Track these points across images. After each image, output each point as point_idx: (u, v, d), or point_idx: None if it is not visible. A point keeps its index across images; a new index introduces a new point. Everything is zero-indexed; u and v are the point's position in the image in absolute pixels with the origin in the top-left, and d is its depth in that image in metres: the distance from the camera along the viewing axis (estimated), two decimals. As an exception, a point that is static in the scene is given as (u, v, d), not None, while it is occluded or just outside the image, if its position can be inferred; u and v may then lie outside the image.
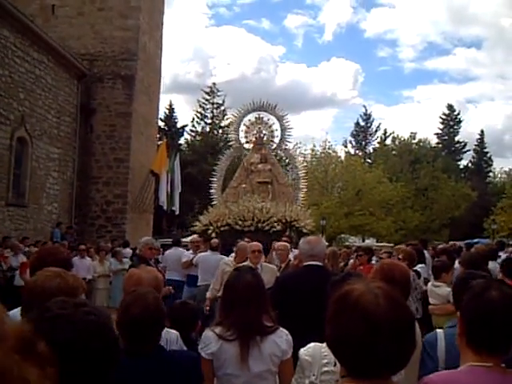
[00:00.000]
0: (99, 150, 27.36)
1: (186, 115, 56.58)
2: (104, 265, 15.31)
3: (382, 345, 1.66)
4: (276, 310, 3.49)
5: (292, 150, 17.28)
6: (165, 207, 26.91)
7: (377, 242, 38.96)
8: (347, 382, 1.80)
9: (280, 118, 17.19)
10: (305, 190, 18.50)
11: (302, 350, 3.00)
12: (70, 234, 22.65)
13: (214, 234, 14.72)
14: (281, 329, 3.61)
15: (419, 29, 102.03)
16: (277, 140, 17.28)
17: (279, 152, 17.97)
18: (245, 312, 3.46)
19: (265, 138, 17.09)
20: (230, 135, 18.16)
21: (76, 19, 27.25)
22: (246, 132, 17.24)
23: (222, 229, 14.52)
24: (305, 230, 14.36)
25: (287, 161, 17.39)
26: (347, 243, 37.41)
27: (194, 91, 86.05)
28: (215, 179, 17.59)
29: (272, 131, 17.24)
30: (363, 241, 42.05)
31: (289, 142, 17.26)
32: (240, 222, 14.24)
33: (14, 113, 20.73)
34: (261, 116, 17.32)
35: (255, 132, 17.03)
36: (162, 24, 32.88)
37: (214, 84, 53.35)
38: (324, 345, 2.75)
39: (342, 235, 40.53)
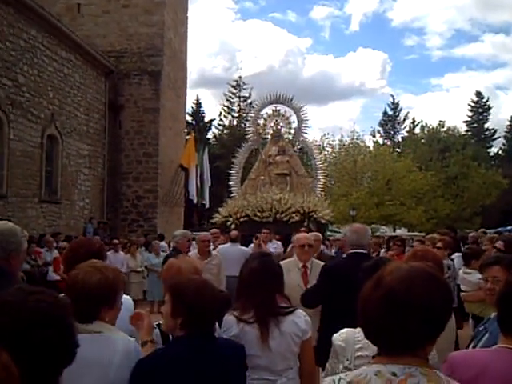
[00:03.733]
0: (128, 146, 27.60)
1: (213, 109, 57.20)
2: (136, 259, 15.43)
3: (402, 319, 1.72)
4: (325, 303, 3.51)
5: (310, 141, 17.21)
6: (195, 201, 27.09)
7: (408, 231, 38.75)
8: (377, 360, 1.85)
9: (297, 110, 17.14)
10: (323, 180, 18.46)
11: (336, 336, 3.03)
12: (102, 229, 22.91)
13: (233, 226, 14.80)
14: (299, 310, 3.72)
15: (446, 16, 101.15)
16: (294, 132, 17.30)
17: (297, 143, 17.92)
18: (257, 294, 3.57)
19: (282, 130, 17.06)
20: (247, 128, 18.17)
21: (102, 17, 27.49)
22: (264, 125, 17.23)
23: (241, 220, 14.54)
24: (323, 221, 14.29)
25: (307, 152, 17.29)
26: (378, 233, 37.27)
27: (220, 85, 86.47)
28: (234, 171, 17.62)
29: (289, 123, 17.21)
30: (394, 230, 41.81)
31: (306, 133, 17.20)
32: (259, 214, 14.24)
33: (43, 111, 21.00)
34: (278, 108, 17.31)
35: (272, 124, 17.02)
36: (187, 19, 33.03)
37: (240, 77, 53.49)
38: (357, 330, 2.79)
39: (373, 225, 40.28)
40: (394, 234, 36.36)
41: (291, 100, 17.45)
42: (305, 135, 17.19)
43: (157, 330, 3.32)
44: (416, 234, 31.59)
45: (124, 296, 3.85)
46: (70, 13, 27.33)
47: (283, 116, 17.29)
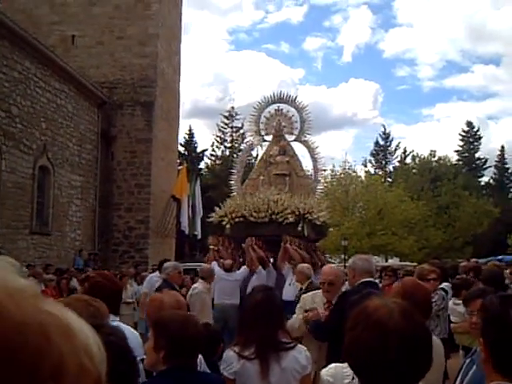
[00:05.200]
0: (120, 177, 27.58)
1: (206, 140, 57.33)
2: (127, 290, 15.32)
3: (394, 356, 1.72)
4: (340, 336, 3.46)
5: (311, 141, 16.99)
6: (187, 232, 27.04)
7: (400, 261, 38.71)
8: None
9: (300, 110, 16.98)
10: (322, 181, 18.35)
11: (324, 371, 3.03)
12: (93, 260, 22.80)
13: (228, 226, 14.74)
14: (300, 345, 3.71)
15: (437, 47, 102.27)
16: (296, 132, 17.06)
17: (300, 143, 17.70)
18: (259, 329, 3.54)
19: (284, 130, 16.90)
20: (249, 127, 18.07)
21: (95, 48, 27.67)
22: (266, 124, 17.07)
23: (236, 220, 14.44)
24: (318, 222, 14.12)
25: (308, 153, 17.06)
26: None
27: (213, 116, 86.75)
28: (235, 171, 17.48)
29: (291, 123, 17.01)
30: (386, 260, 41.75)
31: (308, 134, 17.00)
32: (254, 214, 14.12)
33: (36, 142, 21.03)
34: (280, 108, 17.13)
35: (274, 124, 16.84)
36: (180, 50, 33.26)
37: (233, 108, 53.77)
38: (345, 365, 2.79)
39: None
40: (386, 264, 36.33)
41: (295, 99, 17.28)
42: (307, 135, 16.97)
43: (141, 365, 3.29)
44: (408, 263, 31.53)
45: (132, 330, 3.88)
46: (64, 44, 27.51)
47: (285, 116, 17.11)
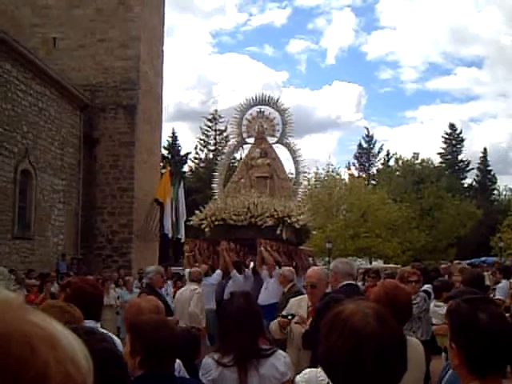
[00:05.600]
0: (103, 180, 27.44)
1: (190, 143, 57.22)
2: (109, 295, 15.22)
3: (370, 362, 1.67)
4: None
5: (293, 144, 16.93)
6: (170, 235, 26.91)
7: (384, 263, 38.84)
8: None
9: (281, 112, 16.94)
10: (306, 184, 18.29)
11: (298, 377, 3.00)
12: (75, 264, 22.63)
13: (207, 229, 14.71)
14: (279, 351, 3.65)
15: (420, 50, 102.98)
16: (278, 134, 16.98)
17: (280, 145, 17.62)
18: (239, 337, 3.49)
19: (266, 133, 16.82)
20: (231, 129, 17.97)
21: (77, 51, 27.51)
22: (248, 126, 17.00)
23: (215, 223, 14.38)
24: (297, 226, 14.05)
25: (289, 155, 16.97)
26: (354, 266, 37.23)
27: (197, 119, 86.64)
28: (217, 174, 17.41)
29: (273, 125, 16.94)
30: (370, 263, 41.88)
31: (290, 136, 16.95)
32: (234, 217, 14.06)
33: (17, 145, 20.86)
34: (262, 110, 17.08)
35: (256, 126, 16.76)
36: (163, 53, 33.17)
37: (216, 111, 53.72)
38: (320, 369, 2.76)
39: (349, 258, 40.32)
40: (369, 266, 36.42)
41: (277, 101, 17.23)
42: (289, 138, 16.92)
43: None
44: (392, 265, 31.66)
45: (112, 336, 3.83)
46: (45, 47, 27.34)
47: (267, 118, 17.04)
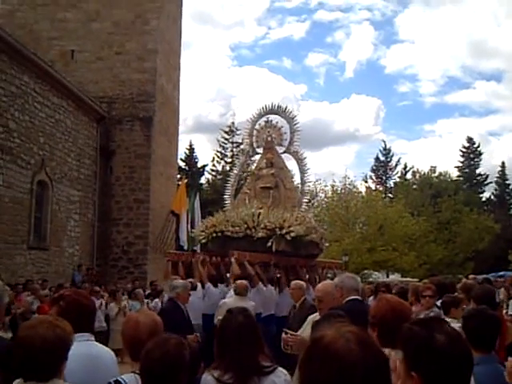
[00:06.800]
0: (119, 192, 27.54)
1: (208, 155, 57.21)
2: (121, 305, 15.26)
3: None
4: None
5: (300, 153, 16.69)
6: (185, 247, 26.90)
7: (401, 277, 38.57)
8: None
9: (289, 120, 16.77)
10: (308, 194, 18.00)
11: None
12: (91, 275, 22.67)
13: (204, 241, 14.69)
14: (280, 368, 3.57)
15: (439, 63, 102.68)
16: (286, 143, 16.79)
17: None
18: (239, 354, 3.44)
19: (275, 142, 16.66)
20: (244, 141, 17.89)
21: (95, 63, 27.76)
22: (257, 136, 16.87)
23: (213, 235, 14.29)
24: (288, 238, 13.75)
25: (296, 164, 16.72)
26: (371, 279, 37.04)
27: (216, 131, 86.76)
28: (229, 185, 17.31)
29: (281, 134, 16.76)
30: (387, 276, 41.69)
31: (297, 145, 16.74)
32: (231, 229, 13.95)
33: (34, 157, 21.00)
34: (270, 119, 16.95)
35: (265, 136, 16.62)
36: (180, 66, 33.34)
37: (233, 123, 53.84)
38: None
39: (366, 271, 40.12)
40: (387, 279, 36.19)
41: (285, 110, 17.07)
42: (296, 147, 16.71)
43: None
44: (409, 279, 31.41)
45: (106, 349, 3.79)
46: (63, 59, 27.63)
47: (275, 127, 16.88)
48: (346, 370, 1.62)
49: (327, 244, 21.24)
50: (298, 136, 16.77)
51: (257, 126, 16.92)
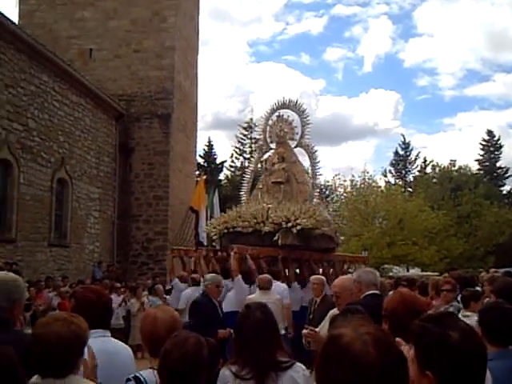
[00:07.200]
0: (138, 189, 27.73)
1: (227, 151, 57.14)
2: (142, 301, 15.41)
3: None
4: None
5: (311, 146, 16.55)
6: (205, 243, 26.98)
7: (422, 271, 38.35)
8: None
9: (300, 114, 16.65)
10: (320, 188, 17.89)
11: None
12: (111, 272, 22.84)
13: (215, 236, 14.73)
14: (298, 364, 3.58)
15: (458, 56, 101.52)
16: (297, 137, 16.67)
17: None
18: (257, 350, 3.46)
19: (287, 137, 16.56)
20: (259, 136, 17.86)
21: (113, 61, 27.95)
22: (270, 132, 16.81)
23: (224, 231, 14.32)
24: (294, 231, 13.64)
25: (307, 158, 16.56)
26: (391, 273, 36.90)
27: (234, 127, 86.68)
28: (245, 181, 17.30)
29: (292, 128, 16.65)
30: (407, 270, 41.45)
31: (308, 138, 16.62)
32: (241, 224, 13.94)
33: (54, 155, 21.21)
34: (281, 114, 16.87)
35: (277, 131, 16.56)
36: (197, 62, 33.42)
37: (252, 119, 53.70)
38: None
39: (386, 265, 39.95)
40: (407, 274, 36.05)
41: (296, 104, 16.97)
42: (307, 140, 16.59)
43: (132, 382, 3.21)
44: (429, 273, 31.26)
45: (124, 345, 3.83)
46: (81, 58, 27.85)
47: (286, 121, 16.79)
48: (363, 373, 1.59)
49: (342, 238, 21.04)
50: (309, 129, 16.67)
51: (270, 122, 16.89)
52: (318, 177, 16.75)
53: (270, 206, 14.29)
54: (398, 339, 2.94)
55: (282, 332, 9.09)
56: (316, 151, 16.52)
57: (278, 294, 10.18)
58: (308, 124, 16.61)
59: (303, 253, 13.96)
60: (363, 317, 3.37)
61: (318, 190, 17.37)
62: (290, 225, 13.58)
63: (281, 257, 13.28)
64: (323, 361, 1.70)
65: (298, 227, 13.55)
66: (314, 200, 16.03)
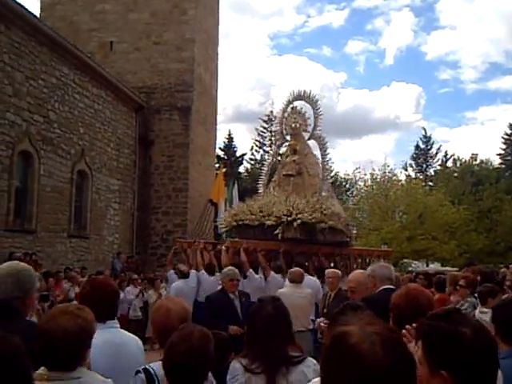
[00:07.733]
0: (158, 181, 27.86)
1: (247, 144, 57.17)
2: (159, 292, 15.52)
3: None
4: None
5: (322, 137, 16.36)
6: (224, 236, 27.04)
7: (441, 266, 38.13)
8: None
9: (313, 105, 16.51)
10: (331, 181, 17.71)
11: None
12: (130, 263, 22.96)
13: (225, 229, 14.78)
14: (309, 358, 3.58)
15: (480, 49, 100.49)
16: (310, 129, 16.52)
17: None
18: (268, 344, 3.46)
19: (301, 129, 16.42)
20: (275, 129, 17.92)
21: (133, 54, 28.07)
22: (285, 124, 16.71)
23: (234, 224, 14.29)
24: (295, 224, 13.48)
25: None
26: (410, 268, 36.74)
27: (255, 120, 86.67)
28: (263, 174, 17.24)
29: (305, 120, 16.51)
30: (427, 265, 41.22)
31: (320, 130, 16.47)
32: (249, 217, 13.88)
33: (74, 147, 21.35)
34: (295, 106, 16.77)
35: (292, 123, 16.44)
36: (218, 55, 33.43)
37: (272, 112, 53.63)
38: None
39: (405, 260, 39.75)
40: (426, 268, 35.88)
41: (309, 95, 16.83)
42: (319, 132, 16.41)
43: (142, 375, 3.22)
44: (448, 268, 31.09)
45: (132, 336, 3.84)
46: (102, 50, 28.02)
47: (299, 113, 16.65)
48: (370, 374, 1.56)
49: (361, 232, 20.80)
50: (321, 120, 16.49)
51: (285, 114, 16.80)
52: (327, 169, 16.49)
53: (275, 199, 14.21)
54: (403, 332, 2.94)
55: (311, 327, 9.07)
56: (327, 142, 16.30)
57: (310, 288, 10.07)
58: (320, 115, 16.41)
59: (311, 247, 13.72)
60: (366, 313, 3.34)
61: (329, 183, 17.12)
62: (290, 219, 13.42)
63: (282, 250, 13.07)
64: (328, 360, 1.67)
65: (299, 221, 13.38)
66: (323, 193, 15.77)
